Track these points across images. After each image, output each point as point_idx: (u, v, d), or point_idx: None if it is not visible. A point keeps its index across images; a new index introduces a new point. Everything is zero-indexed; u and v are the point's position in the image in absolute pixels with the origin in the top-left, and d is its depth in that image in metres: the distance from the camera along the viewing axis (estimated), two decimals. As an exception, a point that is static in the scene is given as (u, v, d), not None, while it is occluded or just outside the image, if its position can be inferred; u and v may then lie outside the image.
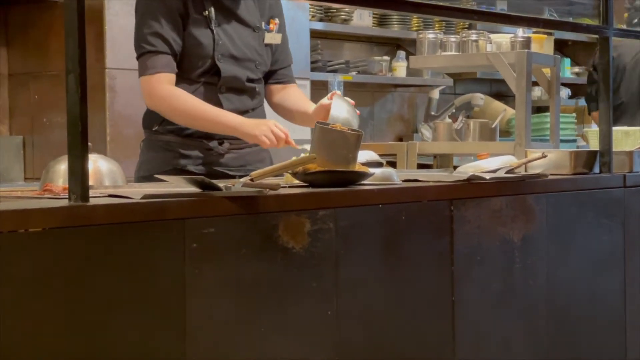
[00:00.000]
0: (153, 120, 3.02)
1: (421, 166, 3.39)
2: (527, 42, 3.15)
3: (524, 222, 2.66)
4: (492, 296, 2.56)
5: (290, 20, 4.77)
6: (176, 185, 2.13)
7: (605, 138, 2.99)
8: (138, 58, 2.96)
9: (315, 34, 5.19)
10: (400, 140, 6.40)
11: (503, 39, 3.24)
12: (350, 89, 5.63)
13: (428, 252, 2.39)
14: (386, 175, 2.44)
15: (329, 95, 2.89)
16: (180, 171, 2.96)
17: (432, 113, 5.54)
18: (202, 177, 2.00)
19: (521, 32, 3.16)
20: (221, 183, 2.05)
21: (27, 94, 4.27)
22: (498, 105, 6.89)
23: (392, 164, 3.41)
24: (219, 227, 1.92)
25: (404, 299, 2.32)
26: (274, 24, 3.12)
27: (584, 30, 3.04)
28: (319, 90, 5.33)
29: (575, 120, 5.82)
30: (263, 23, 3.09)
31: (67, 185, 2.05)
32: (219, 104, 3.00)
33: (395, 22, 5.90)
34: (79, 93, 1.73)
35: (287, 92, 3.19)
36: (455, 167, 3.38)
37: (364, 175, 2.33)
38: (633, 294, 3.01)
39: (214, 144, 3.02)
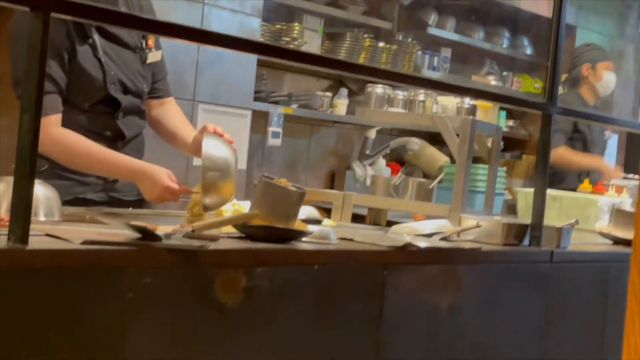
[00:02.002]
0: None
1: (355, 216, 3.41)
2: (473, 109, 3.20)
3: (453, 291, 2.70)
4: (414, 362, 2.58)
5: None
6: (116, 227, 2.11)
7: (538, 213, 3.04)
8: (19, 98, 2.87)
9: (262, 63, 5.19)
10: (333, 175, 6.43)
11: (449, 102, 3.29)
12: (290, 120, 5.65)
13: (358, 315, 2.40)
14: (324, 234, 2.46)
15: (200, 129, 2.82)
16: (81, 200, 2.92)
17: (367, 152, 5.57)
18: (145, 225, 1.99)
19: (468, 99, 3.21)
20: (160, 230, 2.04)
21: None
22: (433, 151, 6.97)
23: (327, 210, 3.42)
24: (156, 278, 1.91)
25: (330, 360, 2.33)
26: (151, 39, 3.07)
27: (529, 106, 3.10)
28: (259, 120, 5.34)
29: (505, 174, 5.91)
30: (143, 42, 3.03)
31: (2, 217, 2.04)
32: (118, 130, 2.96)
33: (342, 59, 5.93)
34: (31, 134, 1.71)
35: (165, 108, 3.15)
36: (388, 222, 3.41)
37: (303, 234, 2.34)
38: (550, 366, 3.08)
39: None
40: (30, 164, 1.71)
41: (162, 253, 1.92)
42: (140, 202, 2.99)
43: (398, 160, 6.82)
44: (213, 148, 2.68)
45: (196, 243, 2.00)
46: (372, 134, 5.96)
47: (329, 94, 5.89)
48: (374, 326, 2.44)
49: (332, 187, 6.38)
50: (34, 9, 1.67)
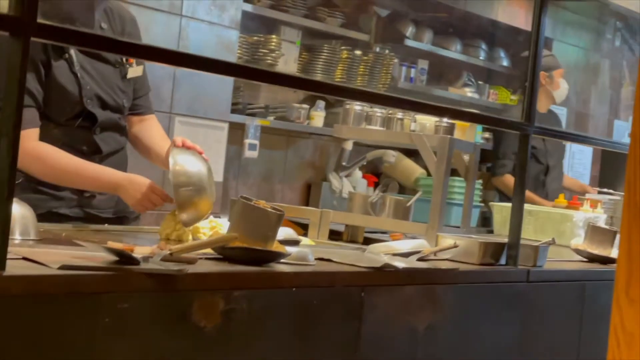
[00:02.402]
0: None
1: (332, 232, 3.40)
2: (451, 128, 3.20)
3: (430, 311, 2.70)
4: (391, 383, 2.58)
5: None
6: (93, 250, 2.09)
7: (515, 232, 3.05)
8: None
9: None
10: (309, 186, 6.42)
11: (427, 120, 3.29)
12: (266, 132, 5.64)
13: (336, 337, 2.40)
14: (302, 255, 2.45)
15: (171, 143, 2.80)
16: (55, 215, 2.89)
17: (344, 164, 5.58)
18: (122, 249, 1.98)
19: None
20: (138, 253, 2.03)
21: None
22: (409, 163, 6.98)
23: (304, 226, 3.42)
24: (133, 302, 1.90)
25: (306, 382, 2.33)
26: None
27: (507, 126, 3.11)
28: (236, 131, 5.33)
29: (482, 187, 5.93)
30: (123, 58, 3.01)
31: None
32: (95, 145, 2.95)
33: (319, 71, 5.94)
34: (9, 157, 1.69)
35: (145, 125, 3.13)
36: (365, 239, 3.41)
37: (281, 256, 2.33)
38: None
39: None
40: (9, 189, 1.69)
41: (140, 277, 1.91)
42: (116, 220, 2.98)
43: (374, 172, 6.83)
44: (182, 162, 2.66)
45: (174, 267, 1.99)
46: (348, 145, 5.96)
47: (305, 106, 5.89)
48: (352, 348, 2.44)
49: (308, 199, 6.38)
50: (14, 34, 1.66)
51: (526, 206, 4.71)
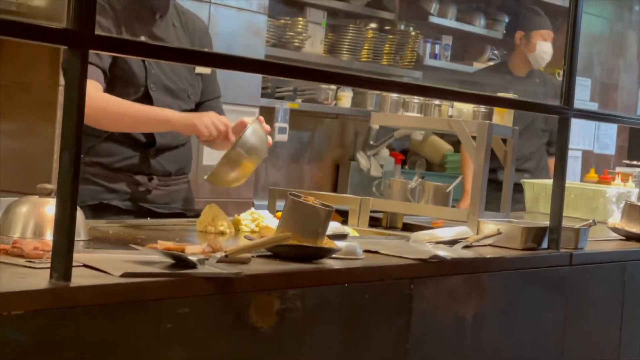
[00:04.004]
0: (85, 147, 2.93)
1: (371, 218, 3.41)
2: (489, 113, 3.20)
3: (476, 300, 2.71)
4: (440, 372, 2.60)
5: (245, 47, 4.79)
6: (146, 253, 2.11)
7: (556, 216, 3.05)
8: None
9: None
10: (337, 166, 6.43)
11: (465, 106, 3.29)
12: (294, 114, 5.64)
13: (386, 330, 2.42)
14: (350, 249, 2.47)
15: (253, 119, 2.87)
16: (107, 206, 2.91)
17: (371, 142, 5.58)
18: (179, 252, 2.00)
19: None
20: (192, 256, 2.05)
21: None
22: (436, 140, 6.98)
23: (342, 213, 3.43)
24: (193, 307, 1.92)
25: (359, 376, 2.35)
26: None
27: (546, 111, 3.11)
28: (266, 115, 5.32)
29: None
30: None
31: (37, 245, 2.04)
32: (150, 136, 2.96)
33: (345, 52, 5.93)
34: (72, 172, 1.71)
35: None
36: (404, 225, 3.41)
37: (331, 252, 2.34)
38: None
39: (143, 179, 2.99)
40: (72, 202, 1.71)
41: (200, 282, 1.93)
42: (171, 217, 2.98)
43: (402, 150, 6.83)
44: (254, 131, 2.77)
45: (232, 270, 2.01)
46: (375, 124, 5.97)
47: (333, 87, 5.88)
48: (403, 340, 2.45)
49: (336, 179, 6.39)
50: (72, 47, 1.67)
51: (544, 181, 4.71)
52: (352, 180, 6.37)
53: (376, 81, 2.63)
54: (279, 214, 3.13)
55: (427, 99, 3.32)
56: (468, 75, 6.26)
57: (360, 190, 6.01)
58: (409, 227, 3.33)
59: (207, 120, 2.81)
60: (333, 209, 2.36)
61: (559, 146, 3.06)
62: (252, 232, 2.85)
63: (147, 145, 2.96)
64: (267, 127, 2.83)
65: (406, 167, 6.64)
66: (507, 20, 7.25)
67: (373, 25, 6.14)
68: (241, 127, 2.83)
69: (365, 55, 6.02)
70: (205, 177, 2.75)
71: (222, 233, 2.75)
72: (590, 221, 3.28)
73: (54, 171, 3.87)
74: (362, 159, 5.34)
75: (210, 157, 4.29)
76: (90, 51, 2.74)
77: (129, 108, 2.85)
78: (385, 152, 6.41)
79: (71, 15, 1.66)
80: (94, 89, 2.79)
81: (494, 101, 2.89)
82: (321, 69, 2.82)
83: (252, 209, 2.97)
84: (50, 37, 1.67)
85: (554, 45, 5.23)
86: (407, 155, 6.80)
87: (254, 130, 2.77)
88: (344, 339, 2.31)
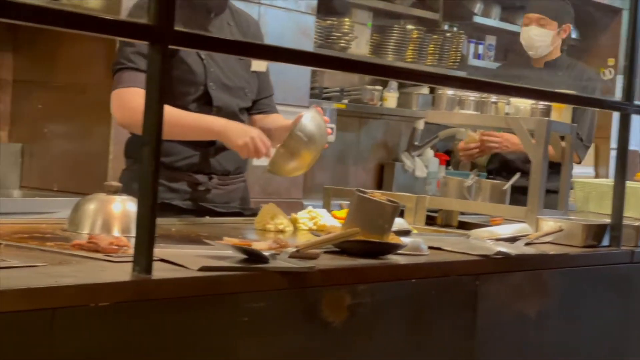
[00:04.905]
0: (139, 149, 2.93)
1: (426, 218, 3.41)
2: (547, 110, 3.19)
3: (540, 297, 2.71)
4: (505, 370, 2.60)
5: (295, 47, 4.80)
6: (218, 249, 2.12)
7: (617, 213, 3.04)
8: (114, 74, 2.87)
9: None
10: (382, 167, 6.43)
11: (522, 103, 3.28)
12: (339, 114, 5.65)
13: (452, 327, 2.42)
14: (415, 245, 2.47)
15: (311, 108, 2.89)
16: (167, 206, 2.93)
17: (416, 143, 5.57)
18: (251, 247, 2.01)
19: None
20: (266, 251, 2.06)
21: (30, 102, 4.22)
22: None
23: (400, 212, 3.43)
24: (268, 301, 1.93)
25: (427, 373, 2.35)
26: None
27: (607, 107, 3.09)
28: (313, 116, 5.34)
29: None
30: None
31: (112, 240, 2.06)
32: None
33: (390, 53, 5.93)
34: (153, 165, 1.72)
35: (268, 119, 3.15)
36: (460, 223, 3.41)
37: (398, 247, 2.35)
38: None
39: (203, 178, 3.00)
40: (153, 196, 1.73)
41: (274, 276, 1.94)
42: (230, 215, 3.00)
43: (445, 150, 6.81)
44: (312, 118, 2.78)
45: (305, 264, 2.02)
46: (420, 125, 5.95)
47: (379, 87, 5.88)
48: (468, 336, 2.45)
49: (381, 180, 6.39)
50: (153, 43, 1.69)
51: (607, 181, 4.68)
52: (396, 180, 6.36)
53: (439, 76, 2.62)
54: (334, 212, 3.14)
55: (483, 96, 3.31)
56: (492, 71, 5.94)
57: (405, 191, 5.98)
58: (464, 225, 3.33)
59: (249, 141, 2.81)
60: (399, 204, 2.37)
61: (620, 143, 3.04)
62: (310, 230, 2.86)
63: (207, 144, 2.98)
64: (327, 118, 2.83)
65: (450, 167, 6.62)
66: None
67: (417, 25, 6.14)
68: (298, 119, 2.84)
69: (410, 56, 6.02)
70: (267, 168, 2.76)
71: (281, 231, 2.76)
72: (650, 219, 3.26)
73: (109, 172, 3.90)
74: (406, 159, 5.35)
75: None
76: (135, 56, 2.81)
77: (178, 119, 2.86)
78: (429, 152, 6.40)
79: (152, 11, 1.67)
80: (143, 97, 2.82)
81: (552, 97, 2.88)
82: (383, 64, 2.80)
83: (310, 207, 2.98)
84: (132, 33, 1.69)
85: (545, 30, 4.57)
86: (451, 155, 6.78)
87: (312, 117, 2.78)
88: (411, 335, 2.31)
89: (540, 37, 4.56)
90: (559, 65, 4.72)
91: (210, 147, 2.98)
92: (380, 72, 3.66)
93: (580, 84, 4.35)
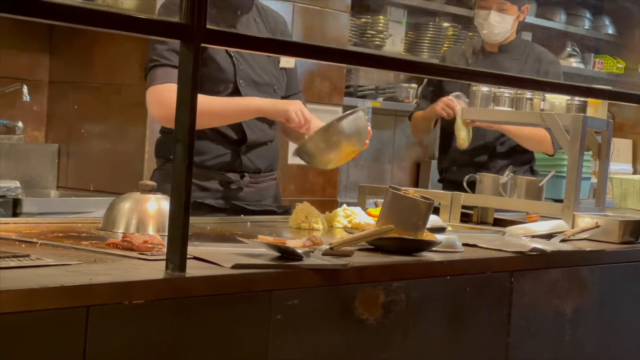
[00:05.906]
0: (171, 148, 2.95)
1: (462, 215, 3.39)
2: (583, 106, 3.16)
3: (576, 294, 2.68)
4: (541, 367, 2.58)
5: (328, 45, 4.80)
6: (252, 246, 2.13)
7: (654, 209, 3.01)
8: (149, 71, 2.90)
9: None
10: (418, 165, 6.41)
11: (557, 99, 3.25)
12: (375, 112, 5.64)
13: (487, 324, 2.41)
14: (450, 242, 2.46)
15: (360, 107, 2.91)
16: (200, 205, 2.93)
17: (452, 141, 5.54)
18: (285, 245, 2.01)
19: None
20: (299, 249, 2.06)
21: (67, 102, 4.26)
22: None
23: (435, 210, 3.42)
24: (302, 298, 1.93)
25: (461, 370, 2.34)
26: None
27: (631, 100, 3.06)
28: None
29: (592, 158, 5.82)
30: None
31: (146, 239, 2.07)
32: (241, 132, 2.98)
33: (425, 50, 5.91)
34: (185, 162, 1.73)
35: None
36: (495, 220, 3.39)
37: (432, 244, 2.34)
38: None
39: (235, 176, 3.00)
40: (186, 193, 1.73)
41: (308, 273, 1.94)
42: (262, 214, 3.00)
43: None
44: (357, 117, 2.80)
45: (339, 261, 2.02)
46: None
47: (414, 85, 5.87)
48: (504, 333, 2.44)
49: (417, 178, 6.37)
50: (185, 41, 1.69)
51: (633, 177, 4.64)
52: (433, 179, 6.34)
53: (474, 72, 2.61)
54: (370, 210, 3.14)
55: (518, 92, 3.29)
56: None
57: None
58: (499, 222, 3.31)
59: (297, 107, 2.84)
60: (433, 201, 2.36)
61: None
62: (345, 228, 2.85)
63: (238, 142, 2.99)
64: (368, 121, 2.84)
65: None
66: (587, 15, 7.16)
67: (452, 22, 6.11)
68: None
69: (445, 53, 5.99)
70: (302, 152, 2.77)
71: (316, 230, 2.76)
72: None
73: (145, 171, 3.92)
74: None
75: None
76: (169, 53, 2.84)
77: (216, 104, 2.88)
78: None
79: (184, 9, 1.68)
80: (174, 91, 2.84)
81: (589, 92, 2.86)
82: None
83: (345, 206, 2.98)
84: (164, 32, 1.69)
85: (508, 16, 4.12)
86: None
87: (357, 116, 2.79)
88: (446, 332, 2.30)
89: (501, 24, 4.10)
90: (514, 48, 4.27)
91: (241, 145, 2.99)
92: (415, 69, 3.62)
93: (541, 67, 4.09)
